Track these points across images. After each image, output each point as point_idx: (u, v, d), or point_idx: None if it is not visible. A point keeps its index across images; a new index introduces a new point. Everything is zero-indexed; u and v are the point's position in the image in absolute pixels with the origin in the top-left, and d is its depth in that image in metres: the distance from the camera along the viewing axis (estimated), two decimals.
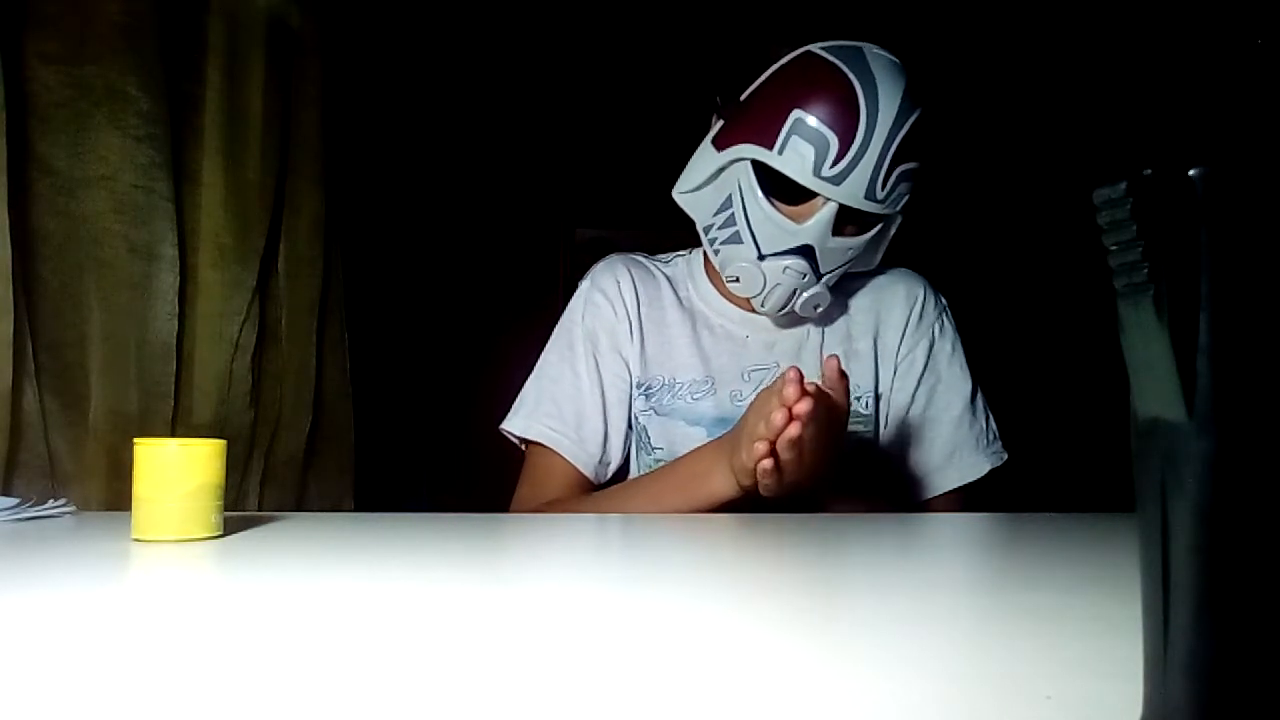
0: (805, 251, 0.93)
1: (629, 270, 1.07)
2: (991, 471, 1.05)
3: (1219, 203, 0.21)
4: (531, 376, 1.07)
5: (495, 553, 0.66)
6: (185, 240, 1.29)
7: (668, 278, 1.09)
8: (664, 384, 1.03)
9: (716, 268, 1.02)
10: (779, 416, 0.78)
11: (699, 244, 1.06)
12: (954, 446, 1.04)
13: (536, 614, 0.43)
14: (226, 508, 0.66)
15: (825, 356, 0.88)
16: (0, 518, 0.74)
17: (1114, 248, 0.23)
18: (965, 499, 1.06)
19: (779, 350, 1.04)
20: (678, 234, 1.12)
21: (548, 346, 1.08)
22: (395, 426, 2.33)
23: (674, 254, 1.13)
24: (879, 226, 0.97)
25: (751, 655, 0.35)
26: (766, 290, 0.96)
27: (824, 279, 0.96)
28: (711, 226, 1.00)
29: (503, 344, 2.72)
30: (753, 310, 1.03)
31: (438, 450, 2.57)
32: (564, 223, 2.73)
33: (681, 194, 1.04)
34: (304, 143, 1.56)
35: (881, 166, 0.90)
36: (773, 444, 0.79)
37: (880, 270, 1.10)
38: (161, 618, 0.41)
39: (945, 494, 1.05)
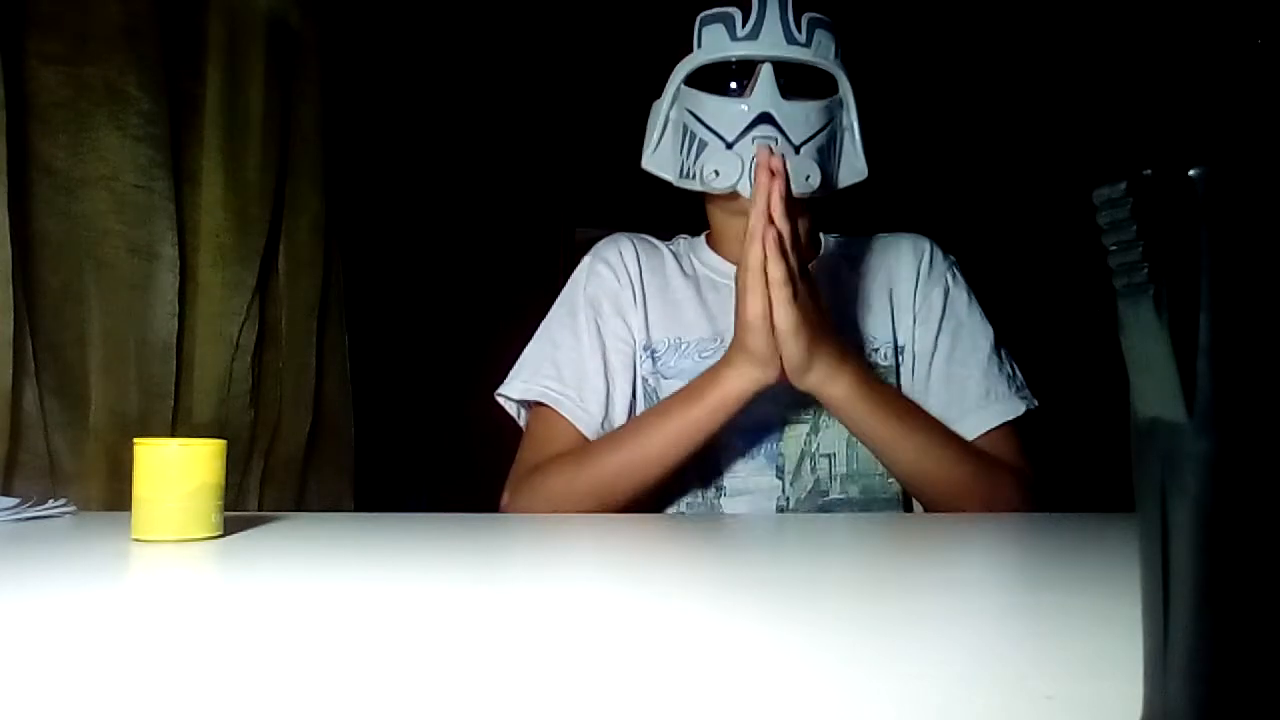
0: (766, 119, 0.94)
1: (632, 242, 1.09)
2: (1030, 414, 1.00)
3: (1219, 203, 0.21)
4: (531, 342, 1.06)
5: (496, 553, 0.66)
6: (185, 240, 1.29)
7: (672, 252, 1.10)
8: (670, 345, 1.02)
9: (701, 187, 0.99)
10: (760, 205, 0.83)
11: (700, 236, 1.10)
12: (988, 387, 1.00)
13: (537, 614, 0.43)
14: (226, 508, 0.66)
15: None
16: (0, 518, 0.74)
17: (1114, 248, 0.23)
18: (1018, 442, 1.00)
19: None
20: (677, 236, 1.13)
21: (549, 315, 1.07)
22: (395, 426, 2.33)
23: (677, 236, 1.14)
24: (833, 96, 0.98)
25: (752, 655, 0.35)
26: (746, 170, 0.94)
27: (803, 149, 0.96)
28: (683, 163, 1.01)
29: (502, 344, 2.72)
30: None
31: (438, 450, 2.56)
32: (564, 223, 2.72)
33: (649, 159, 1.05)
34: (304, 143, 1.56)
35: (788, 13, 0.96)
36: (780, 244, 0.82)
37: (885, 234, 1.10)
38: (161, 618, 0.41)
39: (989, 435, 0.98)
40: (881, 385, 0.95)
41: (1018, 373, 1.04)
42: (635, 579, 0.55)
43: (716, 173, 0.97)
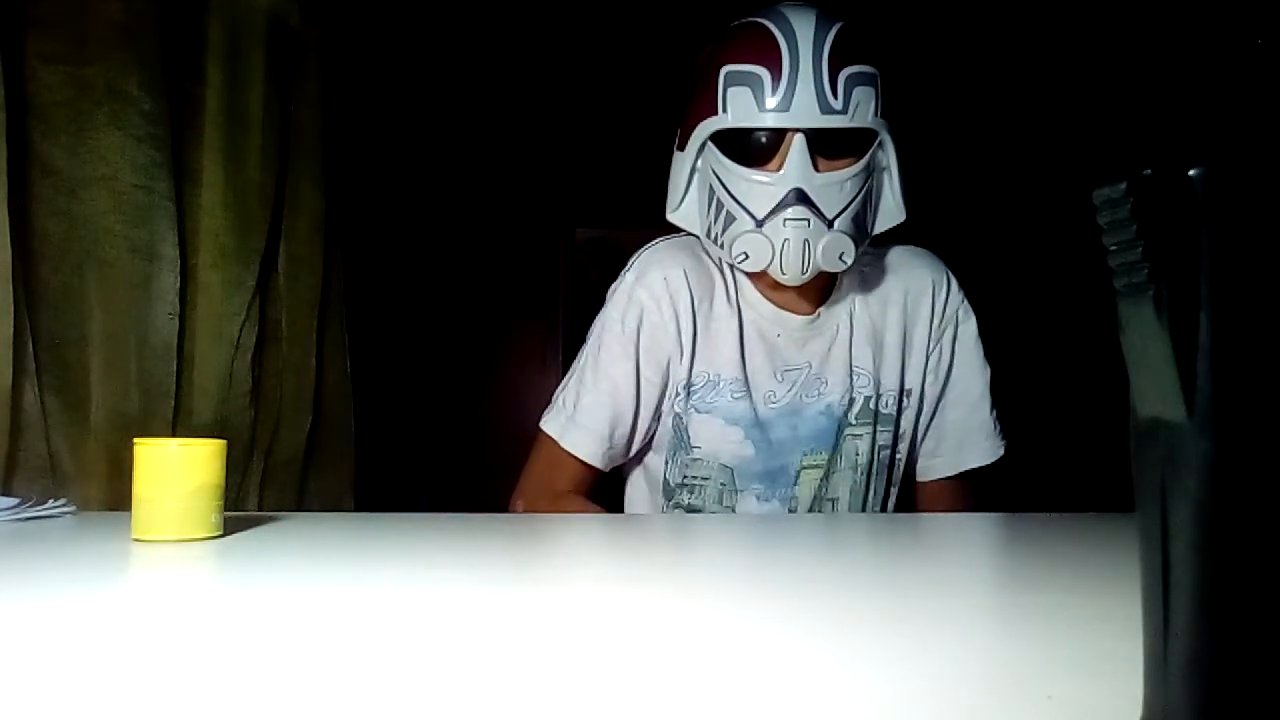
0: (798, 198, 0.90)
1: (681, 266, 1.03)
2: (993, 466, 1.06)
3: (1219, 203, 0.21)
4: (570, 374, 1.06)
5: (495, 553, 0.66)
6: (185, 240, 1.29)
7: (717, 265, 1.05)
8: (708, 381, 1.01)
9: (730, 261, 0.99)
10: None
11: None
12: (969, 431, 1.06)
13: (537, 614, 0.43)
14: (226, 508, 0.66)
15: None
16: (0, 518, 0.74)
17: (1114, 248, 0.23)
18: (971, 490, 1.07)
19: (810, 350, 1.03)
20: (678, 236, 1.12)
21: (588, 341, 1.05)
22: (395, 426, 2.33)
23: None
24: (869, 154, 0.94)
25: (753, 653, 0.35)
26: (777, 254, 0.92)
27: (835, 224, 0.92)
28: (710, 226, 0.99)
29: (502, 343, 2.73)
30: (785, 308, 1.02)
31: (438, 449, 2.57)
32: (564, 223, 2.72)
33: (674, 212, 1.04)
34: (304, 143, 1.55)
35: (822, 77, 0.90)
36: None
37: (895, 250, 1.09)
38: (161, 618, 0.41)
39: (951, 479, 1.07)
40: None
41: (997, 419, 1.08)
42: (636, 579, 0.55)
43: (746, 255, 0.95)
